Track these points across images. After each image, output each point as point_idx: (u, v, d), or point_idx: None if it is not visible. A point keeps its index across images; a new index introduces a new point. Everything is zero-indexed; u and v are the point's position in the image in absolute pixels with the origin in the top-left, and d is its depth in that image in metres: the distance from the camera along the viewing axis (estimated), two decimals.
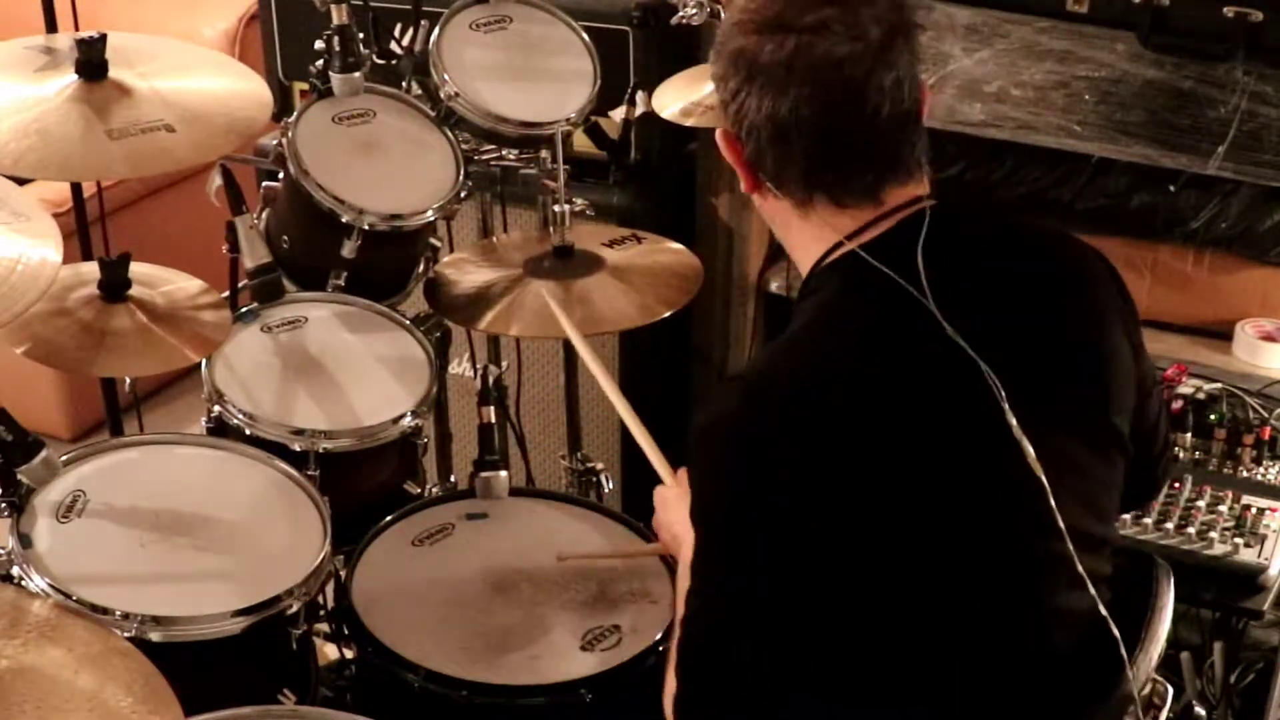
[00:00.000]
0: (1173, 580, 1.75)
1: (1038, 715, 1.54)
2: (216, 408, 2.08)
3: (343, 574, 2.00)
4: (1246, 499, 2.25)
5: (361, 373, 2.18)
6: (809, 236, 1.57)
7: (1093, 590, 1.50)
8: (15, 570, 1.73)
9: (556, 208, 2.36)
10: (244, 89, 2.07)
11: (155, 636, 1.70)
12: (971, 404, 1.47)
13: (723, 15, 1.60)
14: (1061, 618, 1.53)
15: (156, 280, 2.09)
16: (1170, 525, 2.21)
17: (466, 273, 2.38)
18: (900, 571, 1.47)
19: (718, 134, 1.58)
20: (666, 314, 2.27)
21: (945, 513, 1.47)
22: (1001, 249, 1.62)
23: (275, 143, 2.26)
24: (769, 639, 1.49)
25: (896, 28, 1.50)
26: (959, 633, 1.50)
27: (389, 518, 2.10)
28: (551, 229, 2.37)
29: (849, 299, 1.53)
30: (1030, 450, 1.46)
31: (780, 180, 1.55)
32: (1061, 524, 1.47)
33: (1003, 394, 1.46)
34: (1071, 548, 1.48)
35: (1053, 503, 1.46)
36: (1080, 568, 1.49)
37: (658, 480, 1.87)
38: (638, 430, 1.92)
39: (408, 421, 2.12)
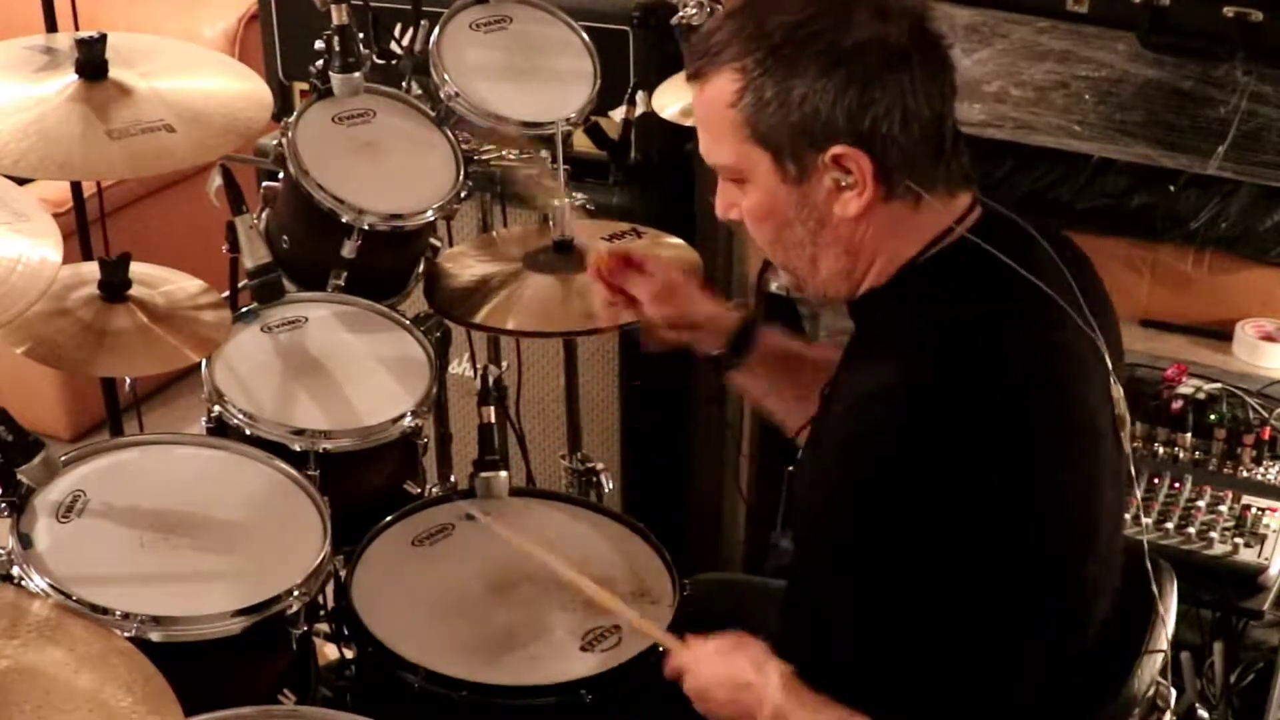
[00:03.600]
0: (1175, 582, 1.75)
1: (1052, 716, 1.54)
2: (216, 408, 2.07)
3: (343, 574, 2.00)
4: (1246, 499, 2.25)
5: (361, 373, 2.18)
6: (906, 229, 1.48)
7: (1155, 588, 1.51)
8: (15, 570, 1.73)
9: (556, 203, 2.36)
10: (244, 89, 2.07)
11: (155, 636, 1.69)
12: (1099, 399, 1.45)
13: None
14: (1096, 617, 1.54)
15: (156, 280, 2.09)
16: (1170, 525, 2.21)
17: (465, 266, 2.38)
18: (1020, 580, 1.40)
19: (832, 157, 1.42)
20: None
21: (1076, 509, 1.44)
22: (1049, 244, 1.57)
23: (275, 143, 2.26)
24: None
25: None
26: (1047, 639, 1.46)
27: (389, 518, 2.10)
28: (551, 224, 2.37)
29: (977, 291, 1.47)
30: (1127, 444, 1.46)
31: (917, 171, 1.44)
32: (1129, 526, 1.48)
33: (1120, 387, 1.45)
34: (1146, 549, 1.48)
35: (1138, 497, 1.46)
36: (1149, 566, 1.49)
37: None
38: (642, 624, 1.82)
39: (408, 421, 2.12)
